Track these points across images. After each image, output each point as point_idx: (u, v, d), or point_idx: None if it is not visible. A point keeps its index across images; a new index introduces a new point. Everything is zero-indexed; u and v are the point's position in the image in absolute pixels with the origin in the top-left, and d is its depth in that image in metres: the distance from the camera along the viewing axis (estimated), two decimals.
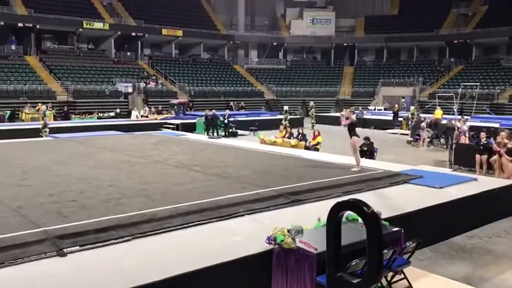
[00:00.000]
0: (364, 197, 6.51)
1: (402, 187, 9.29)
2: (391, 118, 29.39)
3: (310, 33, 50.80)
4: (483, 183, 9.79)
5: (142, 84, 37.35)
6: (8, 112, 28.56)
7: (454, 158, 14.57)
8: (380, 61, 50.76)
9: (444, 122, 20.99)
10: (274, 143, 16.56)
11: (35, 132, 18.74)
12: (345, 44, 51.10)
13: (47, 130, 18.76)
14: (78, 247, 5.44)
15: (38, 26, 37.08)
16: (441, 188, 9.00)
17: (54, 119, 27.30)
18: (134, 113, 29.58)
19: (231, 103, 38.86)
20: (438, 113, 24.02)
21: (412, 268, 5.80)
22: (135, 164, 11.30)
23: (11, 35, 37.70)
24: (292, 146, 15.83)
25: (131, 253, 5.40)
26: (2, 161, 11.70)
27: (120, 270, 4.90)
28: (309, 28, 51.22)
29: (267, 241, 5.41)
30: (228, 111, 27.35)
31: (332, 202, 4.85)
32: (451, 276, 6.17)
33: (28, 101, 30.13)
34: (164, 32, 43.25)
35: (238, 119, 27.13)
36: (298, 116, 33.62)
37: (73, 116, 29.56)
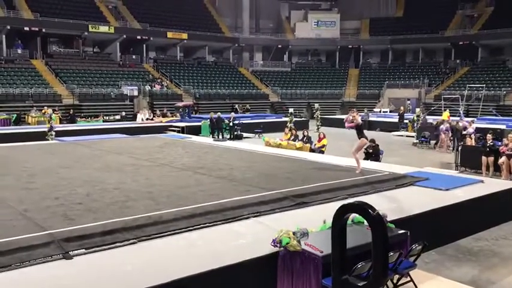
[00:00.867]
0: (369, 199, 6.51)
1: (408, 189, 9.25)
2: (396, 120, 29.31)
3: (315, 35, 50.83)
4: (490, 185, 9.73)
5: (147, 87, 37.51)
6: (14, 116, 28.73)
7: (460, 160, 14.51)
8: (385, 63, 50.64)
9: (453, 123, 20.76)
10: (279, 146, 16.52)
11: (41, 136, 18.83)
12: (350, 46, 51.02)
13: (53, 133, 18.87)
14: (84, 250, 5.46)
15: (43, 30, 37.38)
16: (447, 190, 8.95)
17: (60, 123, 27.48)
18: (140, 116, 29.71)
19: (236, 106, 38.91)
20: (445, 115, 23.89)
21: (418, 271, 5.78)
22: (141, 167, 11.32)
23: (17, 39, 37.96)
24: (297, 149, 15.82)
25: (137, 256, 5.40)
26: (9, 164, 11.73)
27: (126, 273, 4.91)
28: (314, 30, 51.25)
29: (272, 244, 5.40)
30: (233, 114, 27.39)
31: (337, 204, 4.83)
32: (458, 279, 6.13)
33: (34, 104, 30.35)
34: (169, 35, 43.40)
35: (243, 121, 27.13)
36: (303, 119, 33.57)
37: (79, 119, 29.75)
